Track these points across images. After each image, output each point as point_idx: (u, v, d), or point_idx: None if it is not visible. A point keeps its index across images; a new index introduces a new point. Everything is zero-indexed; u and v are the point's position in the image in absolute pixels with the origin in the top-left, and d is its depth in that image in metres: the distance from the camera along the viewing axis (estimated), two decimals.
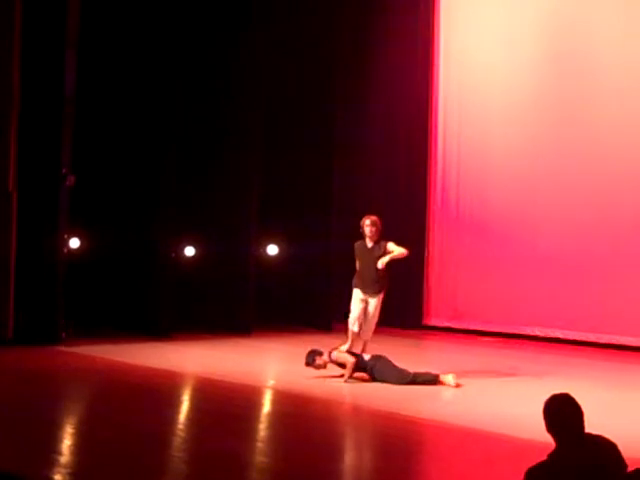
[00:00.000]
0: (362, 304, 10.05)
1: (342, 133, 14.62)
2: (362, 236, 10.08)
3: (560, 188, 13.42)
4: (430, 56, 14.73)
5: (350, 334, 10.10)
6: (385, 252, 9.93)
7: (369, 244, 10.05)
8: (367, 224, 10.03)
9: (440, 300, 14.58)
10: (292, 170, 14.40)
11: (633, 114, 12.80)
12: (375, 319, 10.14)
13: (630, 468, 4.18)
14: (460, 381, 9.60)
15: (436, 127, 14.74)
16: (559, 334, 13.35)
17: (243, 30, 13.72)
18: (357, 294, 10.13)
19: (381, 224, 10.07)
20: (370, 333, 10.21)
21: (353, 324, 10.10)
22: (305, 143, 14.39)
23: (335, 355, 9.96)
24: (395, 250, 9.94)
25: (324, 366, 9.97)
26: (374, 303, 10.06)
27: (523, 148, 13.83)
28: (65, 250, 12.12)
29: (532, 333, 13.58)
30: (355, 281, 10.19)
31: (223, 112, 13.78)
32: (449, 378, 9.57)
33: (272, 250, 14.52)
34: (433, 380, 9.59)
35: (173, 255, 13.26)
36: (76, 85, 12.01)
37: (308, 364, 9.98)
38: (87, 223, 12.93)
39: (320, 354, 10.01)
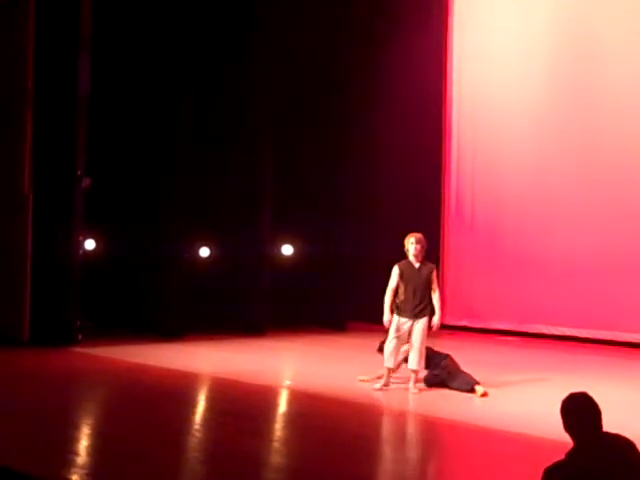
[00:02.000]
0: (398, 335, 9.18)
1: (355, 134, 14.64)
2: (404, 256, 9.31)
3: (574, 188, 13.39)
4: (443, 58, 14.73)
5: (385, 370, 9.33)
6: (432, 276, 9.23)
7: (416, 264, 9.25)
8: (412, 242, 9.20)
9: (455, 299, 14.56)
10: (306, 171, 14.41)
11: None
12: (423, 345, 9.22)
13: None
14: (477, 380, 9.52)
15: (450, 128, 14.73)
16: (576, 332, 13.31)
17: (253, 29, 13.75)
18: (397, 323, 9.20)
19: (426, 242, 9.35)
20: (421, 362, 9.24)
21: (389, 360, 9.26)
22: (318, 145, 14.41)
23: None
24: (435, 300, 9.21)
25: None
26: (421, 326, 9.16)
27: (537, 149, 13.81)
28: (80, 252, 12.16)
29: (548, 332, 13.56)
30: (399, 307, 9.20)
31: (235, 114, 13.80)
32: (481, 389, 9.19)
33: (287, 250, 14.53)
34: (468, 389, 9.24)
35: (187, 256, 13.28)
36: (91, 87, 12.05)
37: (381, 350, 9.53)
38: (102, 225, 12.97)
39: None
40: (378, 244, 13.93)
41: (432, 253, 14.43)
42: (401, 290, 9.27)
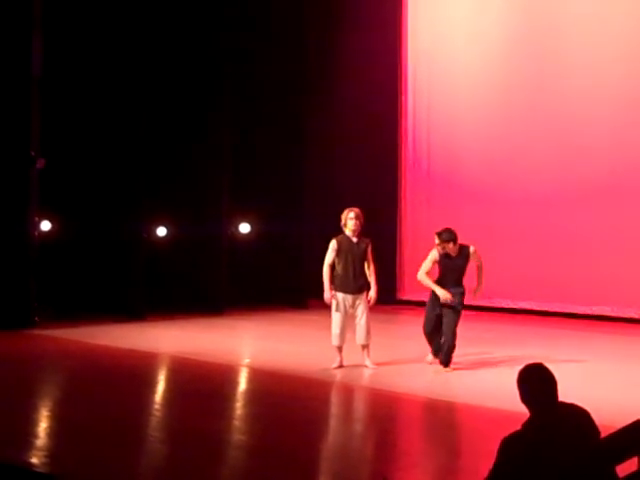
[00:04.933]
0: (343, 312, 9.11)
1: (312, 109, 14.55)
2: (341, 231, 9.24)
3: (535, 162, 13.48)
4: (399, 13, 14.70)
5: (336, 350, 9.25)
6: (368, 250, 9.12)
7: (354, 239, 9.14)
8: (351, 217, 9.11)
9: (414, 274, 14.58)
10: (263, 148, 14.35)
11: (603, 82, 12.95)
12: (369, 319, 9.17)
13: (603, 435, 4.21)
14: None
15: (406, 98, 14.76)
16: (533, 305, 13.45)
17: (212, 10, 13.65)
18: (340, 300, 9.11)
19: (364, 217, 9.25)
20: (368, 336, 9.20)
21: (336, 338, 9.20)
22: (275, 121, 14.35)
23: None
24: (370, 275, 9.15)
25: None
26: (363, 302, 9.15)
27: (495, 120, 13.93)
28: (36, 233, 12.03)
29: (506, 305, 13.68)
30: (340, 283, 9.10)
31: (194, 93, 13.70)
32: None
33: (244, 229, 14.47)
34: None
35: (145, 236, 13.20)
36: (45, 69, 11.89)
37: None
38: (58, 206, 12.84)
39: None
40: (338, 219, 13.92)
41: (390, 228, 14.60)
42: (339, 265, 9.15)
